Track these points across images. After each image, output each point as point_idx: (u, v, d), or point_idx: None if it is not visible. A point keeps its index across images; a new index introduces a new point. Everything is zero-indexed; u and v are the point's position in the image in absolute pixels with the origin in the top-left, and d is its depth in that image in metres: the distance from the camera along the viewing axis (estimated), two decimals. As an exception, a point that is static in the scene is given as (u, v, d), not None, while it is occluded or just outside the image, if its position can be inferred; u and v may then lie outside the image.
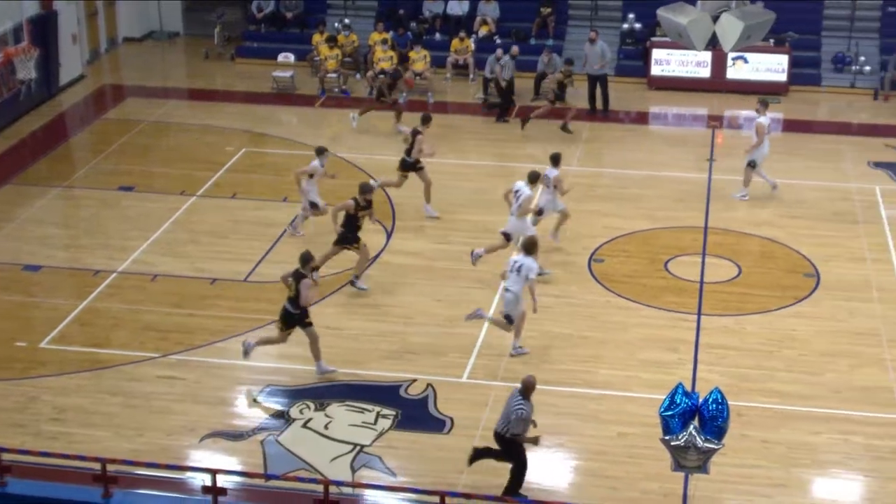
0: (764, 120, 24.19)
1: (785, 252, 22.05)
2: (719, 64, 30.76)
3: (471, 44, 32.18)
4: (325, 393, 17.36)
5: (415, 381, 17.67)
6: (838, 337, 19.13)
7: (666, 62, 31.31)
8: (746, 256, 21.72)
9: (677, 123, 29.59)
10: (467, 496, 14.47)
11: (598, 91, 29.47)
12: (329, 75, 31.10)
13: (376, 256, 21.61)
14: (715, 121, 29.18)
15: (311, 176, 22.12)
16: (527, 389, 14.71)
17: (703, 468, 12.92)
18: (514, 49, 29.97)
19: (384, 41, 31.19)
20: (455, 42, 32.07)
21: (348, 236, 20.16)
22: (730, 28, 15.02)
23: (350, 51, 32.29)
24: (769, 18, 15.73)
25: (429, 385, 17.55)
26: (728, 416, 12.83)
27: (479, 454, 15.29)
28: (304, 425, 16.60)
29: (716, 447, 12.75)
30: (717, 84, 30.95)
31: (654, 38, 31.24)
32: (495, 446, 15.05)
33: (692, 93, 30.71)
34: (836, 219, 23.50)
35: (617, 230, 22.73)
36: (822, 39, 32.54)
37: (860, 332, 19.26)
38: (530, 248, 18.37)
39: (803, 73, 31.53)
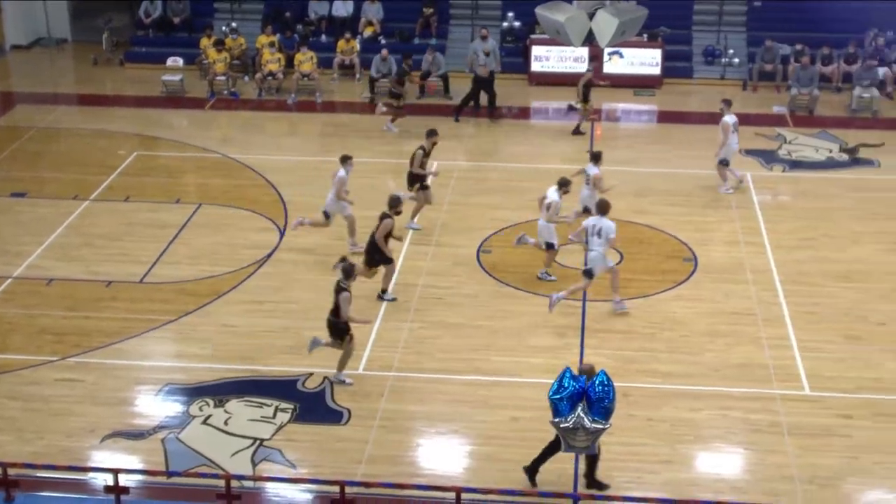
0: (728, 119, 24.47)
1: (664, 238, 22.35)
2: (596, 59, 31.05)
3: (356, 44, 32.11)
4: (223, 389, 17.20)
5: (311, 374, 17.59)
6: (716, 318, 19.45)
7: (545, 58, 31.55)
8: (628, 243, 21.94)
9: (558, 117, 29.80)
10: (366, 485, 14.46)
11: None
12: (218, 78, 30.77)
13: (270, 254, 21.47)
14: (594, 114, 29.44)
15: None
16: (587, 373, 14.42)
17: (591, 448, 13.07)
18: (487, 45, 29.73)
19: (271, 44, 31.03)
20: (341, 43, 31.97)
21: (378, 257, 19.60)
22: (605, 24, 15.17)
23: (238, 54, 32.00)
24: (642, 14, 15.92)
25: (325, 378, 17.48)
26: (614, 397, 12.99)
27: (536, 465, 14.95)
28: (204, 422, 16.43)
29: (603, 427, 12.90)
30: (595, 79, 31.19)
31: (533, 36, 31.45)
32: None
33: (571, 87, 30.90)
34: (711, 205, 23.90)
35: (504, 222, 22.85)
36: (692, 34, 33.05)
37: (736, 313, 19.61)
38: (605, 209, 19.43)
39: (676, 67, 31.99)
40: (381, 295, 19.82)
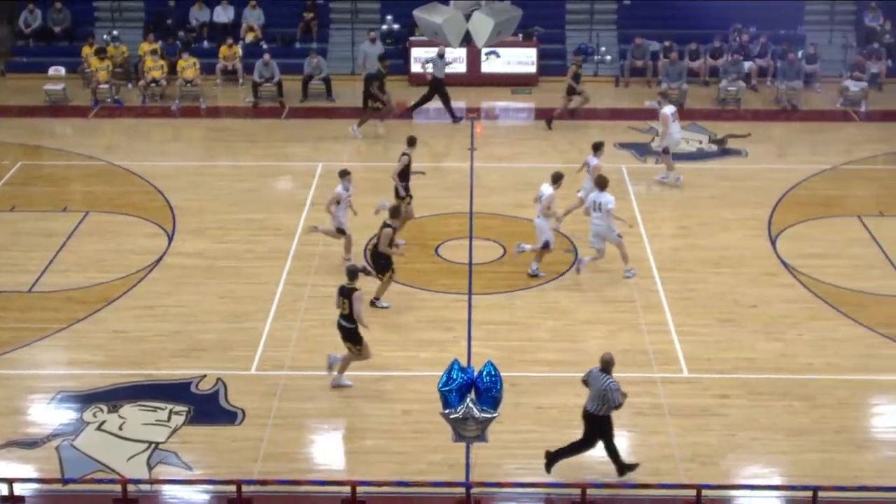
0: (667, 110, 24.68)
1: (545, 231, 22.52)
2: (474, 59, 31.21)
3: (238, 50, 31.80)
4: (117, 395, 16.91)
5: (205, 376, 17.39)
6: (597, 306, 19.68)
7: (425, 60, 31.58)
8: (511, 237, 22.06)
9: (439, 117, 29.85)
10: (263, 483, 14.35)
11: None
12: (101, 86, 30.23)
13: (159, 259, 21.18)
14: (473, 113, 29.59)
15: (338, 202, 20.61)
16: (607, 365, 14.59)
17: (482, 437, 13.12)
18: (442, 48, 29.26)
19: (154, 51, 30.59)
20: (223, 49, 31.63)
21: (384, 262, 19.30)
22: (481, 25, 15.22)
23: (120, 61, 31.47)
24: (517, 15, 16.01)
25: (218, 380, 17.30)
26: (502, 387, 13.06)
27: (556, 456, 14.95)
28: (99, 428, 16.14)
29: (492, 416, 12.96)
30: (473, 78, 31.42)
31: (412, 38, 31.46)
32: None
33: (450, 87, 30.97)
34: (588, 197, 24.13)
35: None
36: (566, 32, 33.37)
37: (617, 300, 19.86)
38: (603, 184, 20.38)
39: (551, 65, 32.25)
40: (374, 302, 19.43)
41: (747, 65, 31.05)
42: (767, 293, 20.07)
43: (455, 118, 29.00)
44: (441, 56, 28.93)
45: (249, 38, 32.70)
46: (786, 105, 29.88)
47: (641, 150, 26.82)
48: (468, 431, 12.87)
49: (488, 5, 15.38)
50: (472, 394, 12.83)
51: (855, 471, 15.19)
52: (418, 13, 16.17)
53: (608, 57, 32.47)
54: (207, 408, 16.66)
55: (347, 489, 13.56)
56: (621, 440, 16.07)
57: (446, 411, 12.85)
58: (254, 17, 32.91)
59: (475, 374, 12.94)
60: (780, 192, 24.39)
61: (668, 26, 32.20)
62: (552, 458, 14.90)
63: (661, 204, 23.91)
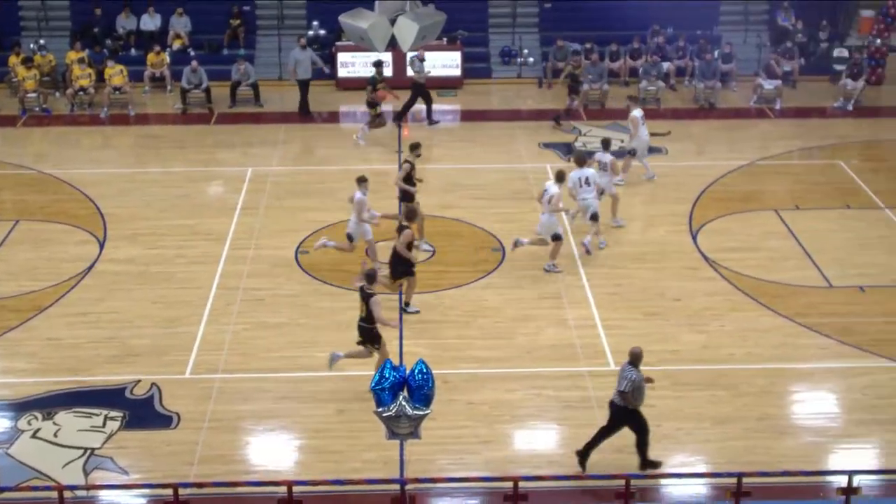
0: (636, 113, 24.72)
1: (472, 230, 22.60)
2: (400, 63, 31.19)
3: (166, 57, 31.51)
4: (51, 402, 16.69)
5: (139, 381, 17.22)
6: (525, 303, 19.77)
7: (351, 64, 31.52)
8: (439, 237, 22.12)
9: (366, 120, 29.79)
10: (199, 485, 14.25)
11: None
12: (28, 95, 29.77)
13: (91, 266, 20.93)
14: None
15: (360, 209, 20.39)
16: (636, 358, 14.67)
17: (415, 434, 13.12)
18: (421, 52, 29.03)
19: (81, 59, 30.21)
20: (151, 56, 31.32)
21: (404, 268, 19.06)
22: (406, 30, 15.25)
23: (48, 70, 31.03)
24: (441, 19, 16.06)
25: (153, 384, 17.13)
26: (433, 384, 13.08)
27: (588, 449, 15.03)
28: (34, 435, 15.92)
29: (425, 413, 12.97)
30: (399, 82, 31.34)
31: (338, 43, 31.37)
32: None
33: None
34: (514, 196, 24.24)
35: (319, 223, 22.75)
36: (489, 36, 33.47)
37: (544, 297, 19.96)
38: (581, 161, 21.56)
39: (475, 68, 32.34)
40: (405, 308, 19.31)
41: (665, 65, 31.36)
42: (690, 287, 20.30)
43: (432, 121, 29.07)
44: (421, 60, 28.92)
45: (177, 45, 32.41)
46: (703, 104, 30.22)
47: (566, 150, 26.96)
48: (401, 429, 12.87)
49: (413, 10, 15.40)
50: (404, 392, 12.84)
51: (777, 456, 15.42)
52: (344, 18, 16.16)
53: (531, 59, 32.61)
54: (142, 412, 16.50)
55: (284, 489, 13.49)
56: (552, 434, 16.22)
57: (379, 410, 12.84)
58: (181, 24, 32.62)
59: (407, 372, 12.94)
60: (699, 188, 24.67)
61: (588, 28, 32.39)
62: (584, 454, 15.03)
63: (586, 202, 24.04)
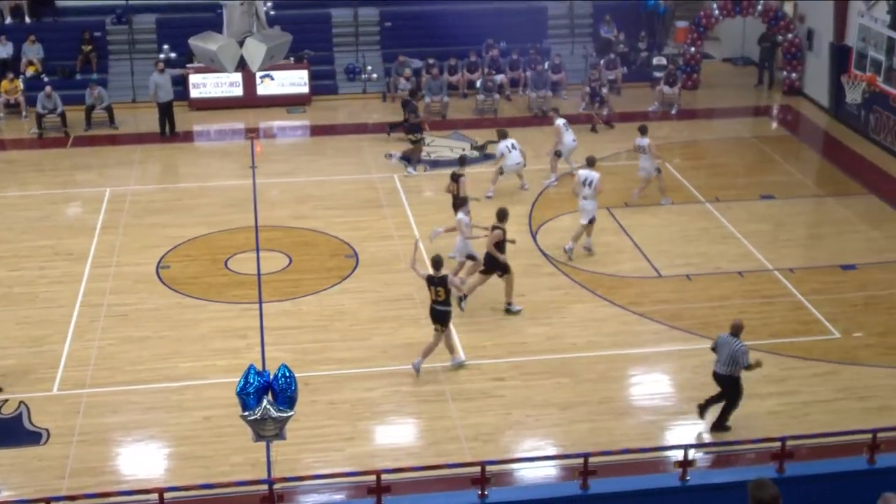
0: (559, 121, 25.22)
1: (326, 239, 22.52)
2: (250, 83, 30.91)
3: (20, 84, 30.56)
4: (-82, 426, 16.07)
5: (7, 400, 16.68)
6: (380, 305, 19.78)
7: (203, 85, 31.08)
8: (294, 247, 22.00)
9: (220, 138, 29.47)
10: (71, 498, 13.86)
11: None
12: None
13: (-47, 291, 20.22)
14: (252, 133, 29.32)
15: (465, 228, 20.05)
16: (738, 329, 15.57)
17: (280, 435, 13.01)
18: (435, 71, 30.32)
19: (-65, 89, 29.14)
20: (4, 83, 30.30)
21: (494, 266, 19.03)
22: (254, 51, 15.09)
23: None
24: (287, 40, 15.93)
25: (21, 402, 16.62)
26: (296, 387, 12.98)
27: (708, 404, 15.98)
28: None
29: (289, 415, 12.86)
30: (250, 100, 31.12)
31: (189, 65, 30.90)
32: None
33: (229, 110, 30.69)
34: (364, 205, 24.24)
35: (178, 238, 22.39)
36: (334, 54, 33.36)
37: (397, 299, 20.00)
38: (592, 163, 21.88)
39: (322, 85, 32.22)
40: (508, 307, 19.21)
41: (500, 77, 31.73)
42: (533, 283, 20.57)
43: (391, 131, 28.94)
44: (408, 79, 29.45)
45: (30, 71, 31.45)
46: (537, 111, 30.65)
47: (408, 160, 27.03)
48: (267, 431, 12.74)
49: (260, 32, 15.26)
50: (269, 395, 12.72)
51: (619, 436, 15.75)
52: (194, 42, 15.90)
53: (374, 75, 32.62)
54: (11, 430, 15.99)
55: (155, 496, 13.21)
56: (410, 427, 16.26)
57: (245, 414, 12.69)
58: (33, 51, 31.67)
59: (271, 376, 12.83)
60: (537, 190, 25.03)
61: (427, 45, 32.55)
62: (704, 407, 16.03)
63: (432, 207, 24.16)
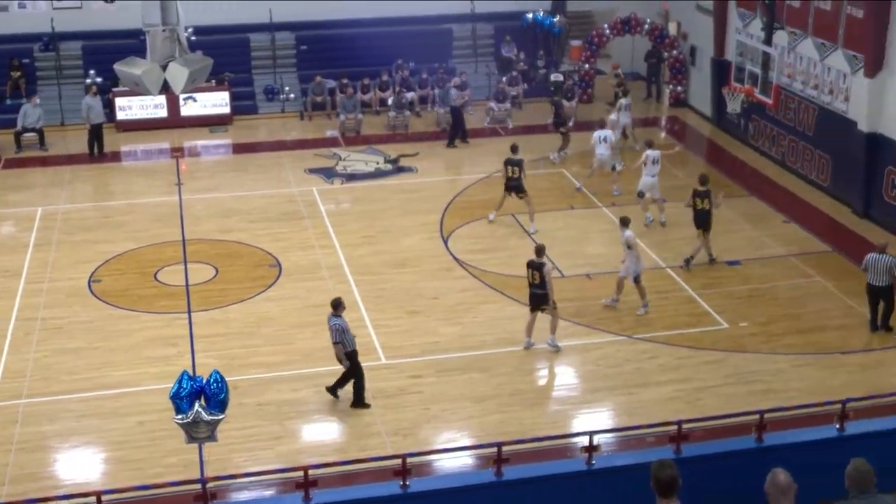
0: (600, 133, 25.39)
1: (251, 251, 22.32)
2: (173, 104, 30.53)
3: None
4: None
5: (-54, 413, 16.26)
6: (303, 311, 19.66)
7: (129, 108, 30.62)
8: (220, 259, 21.78)
9: (146, 158, 29.06)
10: (11, 504, 13.57)
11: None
12: None
13: None
14: (177, 152, 28.96)
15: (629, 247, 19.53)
16: (884, 247, 18.50)
17: (212, 437, 12.85)
18: (456, 80, 30.80)
19: None
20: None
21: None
22: (177, 74, 14.88)
23: None
24: (208, 63, 15.73)
25: (-42, 415, 16.21)
26: (227, 391, 12.84)
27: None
28: None
29: (220, 418, 12.72)
30: (174, 121, 30.73)
31: (115, 89, 30.41)
32: None
33: (155, 131, 30.27)
34: (286, 218, 24.08)
35: (108, 253, 22.02)
36: (252, 76, 33.11)
37: (319, 305, 19.81)
38: (651, 144, 23.77)
39: (243, 105, 31.95)
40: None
41: (410, 95, 31.75)
42: (445, 286, 20.62)
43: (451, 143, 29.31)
44: (457, 87, 30.14)
45: (-40, 98, 30.75)
46: (445, 127, 30.71)
47: (328, 174, 26.97)
48: (199, 433, 12.57)
49: (182, 56, 15.07)
50: (201, 400, 12.56)
51: (529, 425, 15.85)
52: (119, 67, 15.64)
53: (292, 95, 32.44)
54: (-49, 442, 15.57)
55: (93, 499, 12.95)
56: (335, 425, 16.17)
57: (178, 417, 12.51)
58: (-38, 78, 30.96)
59: (204, 381, 12.67)
60: (447, 199, 25.09)
61: (341, 65, 32.46)
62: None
63: (349, 218, 24.13)
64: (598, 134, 25.36)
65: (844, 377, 17.39)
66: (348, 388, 16.59)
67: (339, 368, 17.42)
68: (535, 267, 18.01)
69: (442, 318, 19.35)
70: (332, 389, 16.58)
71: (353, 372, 16.50)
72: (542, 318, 18.23)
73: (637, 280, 19.49)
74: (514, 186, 23.16)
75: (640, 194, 23.49)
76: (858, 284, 20.53)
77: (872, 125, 23.54)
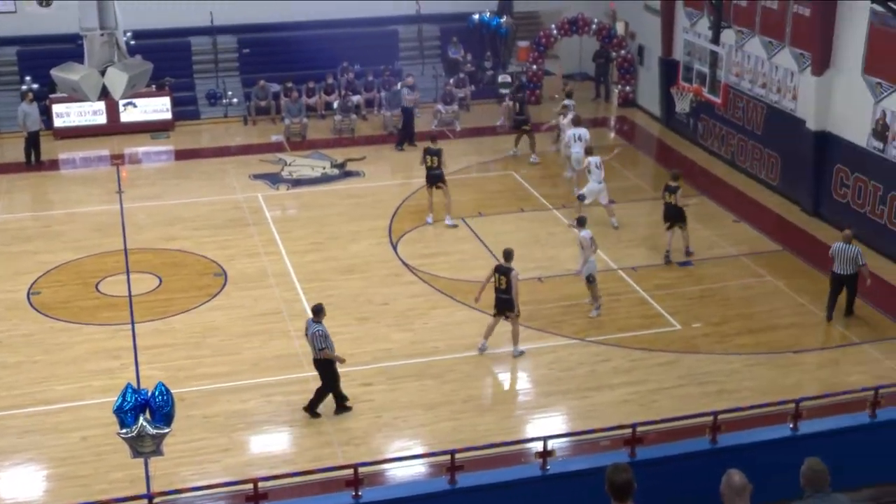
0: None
1: (195, 259, 22.15)
2: (113, 111, 30.23)
3: None
4: None
5: None
6: (249, 320, 19.54)
7: (66, 114, 30.27)
8: (164, 268, 21.59)
9: (85, 165, 28.73)
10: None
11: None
12: None
13: None
14: (117, 159, 28.68)
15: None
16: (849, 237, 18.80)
17: (158, 451, 12.74)
18: (408, 79, 30.54)
19: None
20: None
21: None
22: (116, 79, 14.76)
23: None
24: (148, 68, 15.64)
25: None
26: (173, 403, 12.73)
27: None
28: None
29: (166, 431, 12.61)
30: (114, 128, 30.43)
31: (52, 95, 30.05)
32: None
33: (94, 138, 29.95)
34: (231, 225, 23.93)
35: (48, 264, 21.74)
36: (194, 80, 32.89)
37: (266, 313, 19.79)
38: (591, 150, 24.12)
39: (185, 110, 31.71)
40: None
41: (356, 98, 31.70)
42: (395, 291, 20.60)
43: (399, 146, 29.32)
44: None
45: None
46: (392, 130, 30.69)
47: (274, 179, 26.85)
48: (145, 447, 12.46)
49: (121, 61, 14.94)
50: (146, 413, 12.44)
51: (482, 432, 15.86)
52: (56, 72, 15.48)
53: (235, 100, 32.25)
54: None
55: (36, 518, 12.83)
56: (284, 435, 16.07)
57: (122, 431, 12.38)
58: None
59: (148, 394, 12.55)
60: (396, 203, 25.08)
61: (285, 69, 32.34)
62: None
63: (296, 224, 24.03)
64: (572, 132, 25.44)
65: (797, 376, 17.61)
66: (329, 401, 16.51)
67: (290, 377, 17.34)
68: (502, 272, 18.06)
69: (392, 325, 19.32)
70: (309, 408, 16.42)
71: (331, 381, 16.36)
72: (500, 324, 18.25)
73: (590, 280, 19.61)
74: (433, 177, 23.38)
75: (581, 197, 23.56)
76: (810, 283, 20.84)
77: (820, 123, 23.88)
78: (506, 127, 30.89)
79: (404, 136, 29.28)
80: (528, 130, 28.26)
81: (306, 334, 16.39)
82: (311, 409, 16.39)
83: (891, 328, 19.17)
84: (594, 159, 23.54)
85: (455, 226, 23.21)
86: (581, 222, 19.96)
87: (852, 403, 14.22)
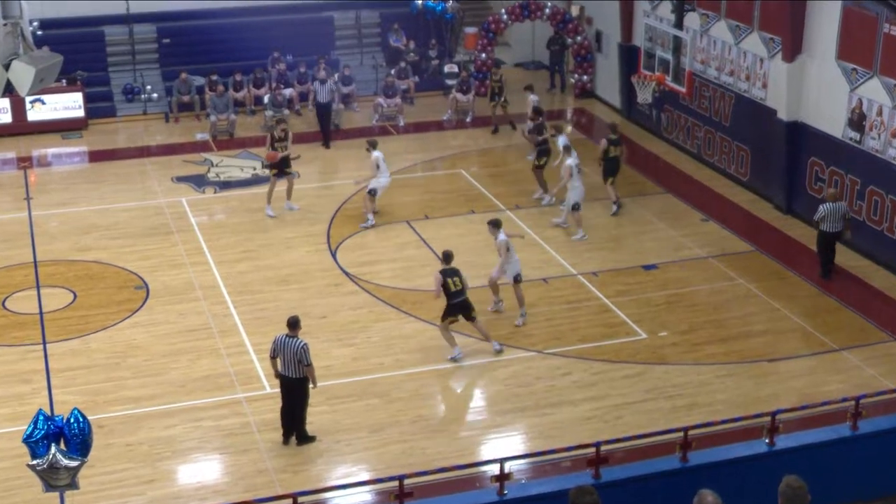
0: (376, 154, 24.01)
1: (114, 271, 21.94)
2: (19, 108, 29.87)
3: None
4: None
5: None
6: (175, 337, 19.39)
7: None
8: (79, 281, 21.36)
9: (-11, 169, 28.44)
10: None
11: None
12: None
13: None
14: (25, 162, 28.34)
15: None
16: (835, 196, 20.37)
17: (73, 484, 12.58)
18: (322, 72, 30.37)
19: None
20: None
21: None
22: (22, 74, 14.60)
23: None
24: (57, 61, 15.47)
25: None
26: (90, 431, 12.59)
27: None
28: None
29: (82, 462, 12.46)
30: (20, 127, 30.07)
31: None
32: None
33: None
34: (152, 232, 23.73)
35: (-49, 279, 21.47)
36: (109, 74, 32.59)
37: (193, 329, 19.65)
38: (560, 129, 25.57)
39: (99, 107, 31.43)
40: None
41: (289, 91, 31.59)
42: (335, 303, 20.55)
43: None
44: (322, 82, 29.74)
45: None
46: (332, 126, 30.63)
47: (200, 182, 26.68)
48: (59, 481, 12.30)
49: (27, 54, 14.77)
50: (60, 443, 12.27)
51: (434, 455, 15.87)
52: (-47, 67, 15.29)
53: (155, 95, 32.00)
54: None
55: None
56: (215, 463, 15.96)
57: (33, 463, 12.22)
58: None
59: (63, 421, 12.39)
60: (334, 207, 25.02)
61: (210, 60, 32.18)
62: None
63: (224, 231, 23.88)
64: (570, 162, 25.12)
65: (773, 387, 17.79)
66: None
67: (220, 399, 17.23)
68: (452, 274, 18.29)
69: (333, 340, 19.27)
70: (301, 436, 16.31)
71: (305, 400, 16.27)
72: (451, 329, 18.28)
73: (517, 280, 19.78)
74: (282, 158, 24.46)
75: (577, 206, 23.53)
76: (784, 285, 21.08)
77: (792, 113, 24.18)
78: (453, 121, 30.95)
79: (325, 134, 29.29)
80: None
81: (277, 352, 16.14)
82: (301, 436, 16.22)
83: (871, 332, 19.44)
84: (574, 161, 23.53)
85: (298, 209, 24.66)
86: (496, 224, 20.05)
87: (832, 415, 14.41)
